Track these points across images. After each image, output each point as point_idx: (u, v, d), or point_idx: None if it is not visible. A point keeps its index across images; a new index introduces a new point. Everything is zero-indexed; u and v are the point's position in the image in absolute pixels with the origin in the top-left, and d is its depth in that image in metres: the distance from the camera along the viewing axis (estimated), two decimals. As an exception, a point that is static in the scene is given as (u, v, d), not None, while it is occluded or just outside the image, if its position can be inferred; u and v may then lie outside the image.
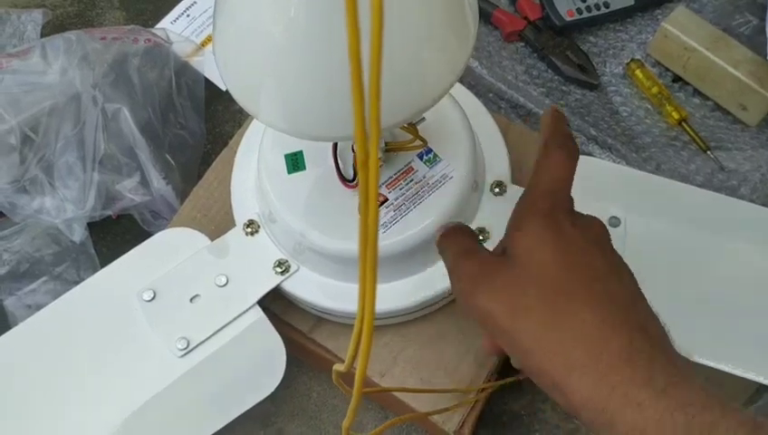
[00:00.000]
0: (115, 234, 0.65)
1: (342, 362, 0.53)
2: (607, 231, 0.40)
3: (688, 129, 0.64)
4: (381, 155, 0.47)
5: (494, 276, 0.37)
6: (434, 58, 0.36)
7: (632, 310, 0.36)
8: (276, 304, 0.53)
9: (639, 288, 0.38)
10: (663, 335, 0.36)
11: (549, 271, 0.36)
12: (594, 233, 0.39)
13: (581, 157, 0.60)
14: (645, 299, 0.38)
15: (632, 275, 0.39)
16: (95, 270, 0.62)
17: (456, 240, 0.41)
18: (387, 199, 0.49)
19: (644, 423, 0.31)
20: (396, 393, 0.51)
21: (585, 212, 0.52)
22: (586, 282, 0.36)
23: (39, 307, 0.56)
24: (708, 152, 0.63)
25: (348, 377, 0.52)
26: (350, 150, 0.48)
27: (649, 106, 0.67)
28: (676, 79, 0.67)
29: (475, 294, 0.37)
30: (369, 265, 0.21)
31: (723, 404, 0.32)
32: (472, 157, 0.50)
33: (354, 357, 0.30)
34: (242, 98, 0.38)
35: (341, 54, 0.33)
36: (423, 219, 0.48)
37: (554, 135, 0.42)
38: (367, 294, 0.21)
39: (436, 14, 0.35)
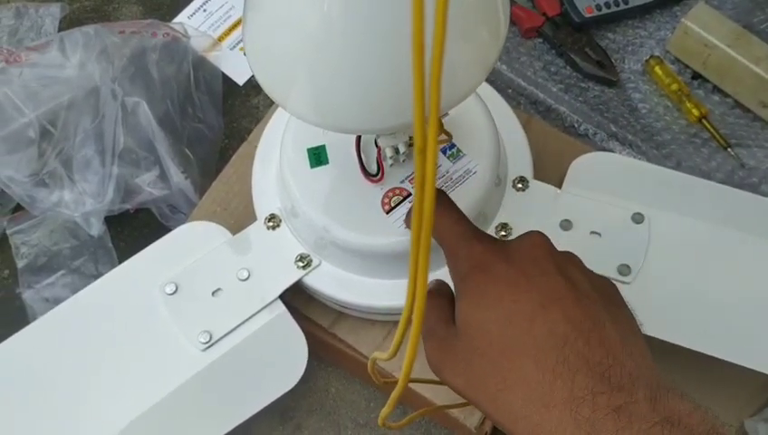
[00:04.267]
0: (133, 228, 0.65)
1: (363, 356, 0.53)
2: (543, 241, 0.38)
3: (708, 126, 0.64)
4: (405, 149, 0.47)
5: (449, 356, 0.37)
6: (467, 53, 0.35)
7: (575, 338, 0.34)
8: (297, 299, 0.53)
9: (591, 285, 0.37)
10: (614, 347, 0.34)
11: (488, 332, 0.35)
12: (528, 256, 0.37)
13: (604, 153, 0.60)
14: (594, 306, 0.36)
15: (581, 274, 0.37)
16: (113, 264, 0.62)
17: (425, 316, 0.40)
18: (410, 194, 0.49)
19: None
20: (416, 389, 0.51)
21: (609, 208, 0.52)
22: (523, 327, 0.35)
23: (57, 300, 0.56)
24: (729, 149, 0.63)
25: (368, 371, 0.52)
26: (374, 145, 0.48)
27: (669, 103, 0.67)
28: (696, 76, 0.67)
29: (440, 373, 0.38)
30: (423, 250, 0.21)
31: None
32: (495, 152, 0.50)
33: (399, 344, 0.30)
34: (271, 89, 0.38)
35: (379, 47, 0.33)
36: (446, 214, 0.48)
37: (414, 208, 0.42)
38: (419, 281, 0.21)
39: (472, 9, 0.35)
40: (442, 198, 0.42)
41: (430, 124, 0.19)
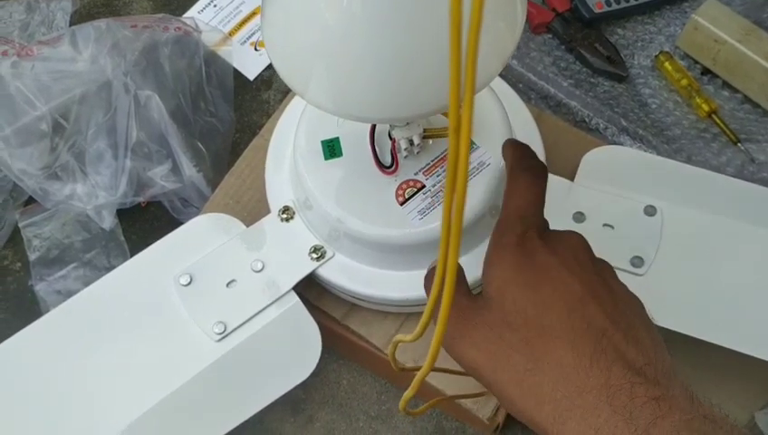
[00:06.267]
0: (144, 221, 0.65)
1: (375, 348, 0.53)
2: (586, 244, 0.39)
3: (718, 121, 0.64)
4: (419, 141, 0.47)
5: (472, 327, 0.36)
6: (486, 43, 0.36)
7: (612, 333, 0.34)
8: (309, 291, 0.53)
9: (626, 295, 0.37)
10: (648, 350, 0.34)
11: (523, 310, 0.35)
12: (571, 251, 0.38)
13: (617, 146, 0.60)
14: (633, 306, 0.37)
15: (617, 282, 0.38)
16: (125, 257, 0.63)
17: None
18: (424, 186, 0.49)
19: None
20: (430, 380, 0.51)
21: (622, 200, 0.53)
22: (562, 314, 0.35)
23: (69, 293, 0.57)
24: (739, 144, 0.63)
25: (380, 363, 0.52)
26: (388, 137, 0.48)
27: (678, 98, 0.67)
28: (705, 71, 0.67)
29: (457, 346, 0.36)
30: (455, 232, 0.21)
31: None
32: (508, 144, 0.50)
33: (427, 324, 0.30)
34: (290, 79, 0.38)
35: (399, 36, 0.34)
36: (460, 206, 0.48)
37: (519, 160, 0.42)
38: (450, 257, 0.21)
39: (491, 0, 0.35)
40: (542, 173, 0.42)
41: (465, 103, 0.19)
